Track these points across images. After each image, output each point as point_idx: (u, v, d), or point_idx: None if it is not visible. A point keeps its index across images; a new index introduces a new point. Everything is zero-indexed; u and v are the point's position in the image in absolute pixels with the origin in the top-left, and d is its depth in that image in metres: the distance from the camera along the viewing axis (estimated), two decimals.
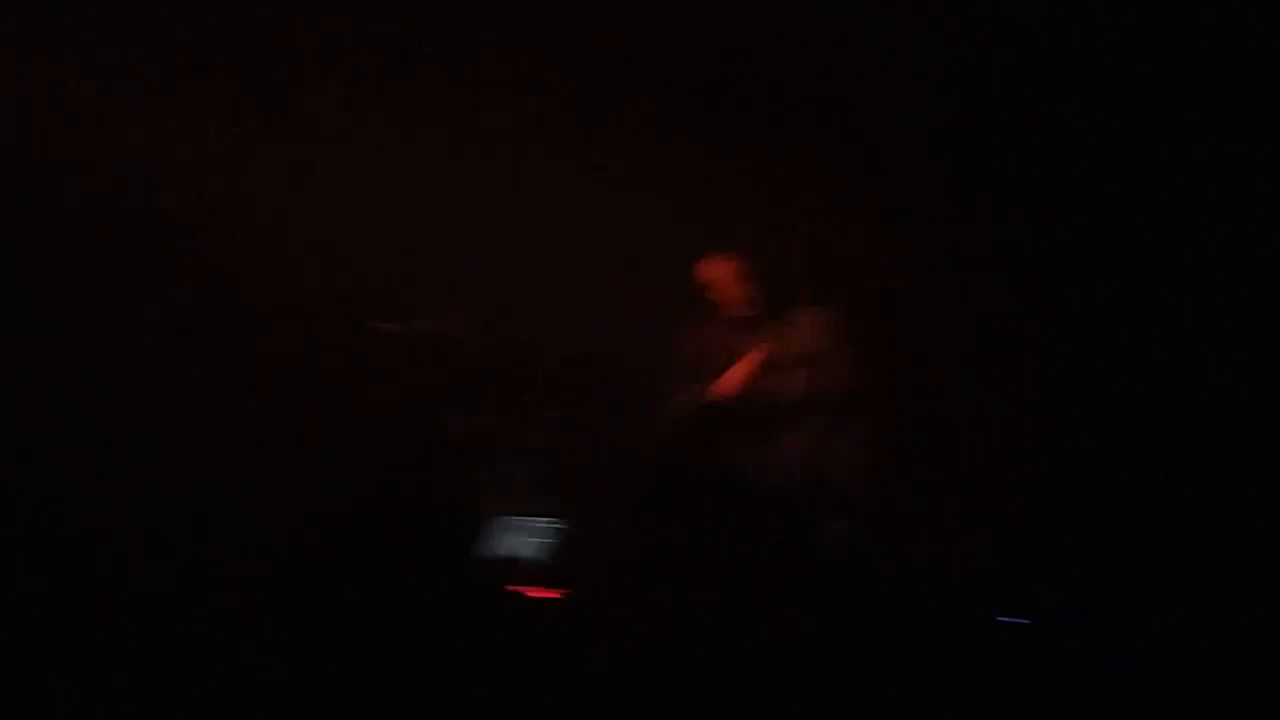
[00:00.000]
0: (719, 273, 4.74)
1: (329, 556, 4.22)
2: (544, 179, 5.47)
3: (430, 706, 3.74)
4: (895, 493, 4.97)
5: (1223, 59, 5.18)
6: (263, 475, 4.84)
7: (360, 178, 5.43)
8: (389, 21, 5.28)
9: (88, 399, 5.08)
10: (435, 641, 3.95)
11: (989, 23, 5.17)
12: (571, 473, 4.94)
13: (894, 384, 5.10)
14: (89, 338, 5.16)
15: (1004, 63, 5.31)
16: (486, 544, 4.52)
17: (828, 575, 4.26)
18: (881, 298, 5.34)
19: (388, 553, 4.23)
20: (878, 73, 5.34)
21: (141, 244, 5.31)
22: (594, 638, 4.01)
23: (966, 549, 4.82)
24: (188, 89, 5.33)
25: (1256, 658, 4.23)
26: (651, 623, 4.00)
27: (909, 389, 5.22)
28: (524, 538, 4.55)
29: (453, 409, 4.91)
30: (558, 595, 4.30)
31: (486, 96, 5.45)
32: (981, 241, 5.49)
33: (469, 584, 4.36)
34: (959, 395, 5.42)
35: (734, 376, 4.72)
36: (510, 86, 5.43)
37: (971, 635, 4.36)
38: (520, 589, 4.30)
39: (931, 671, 4.15)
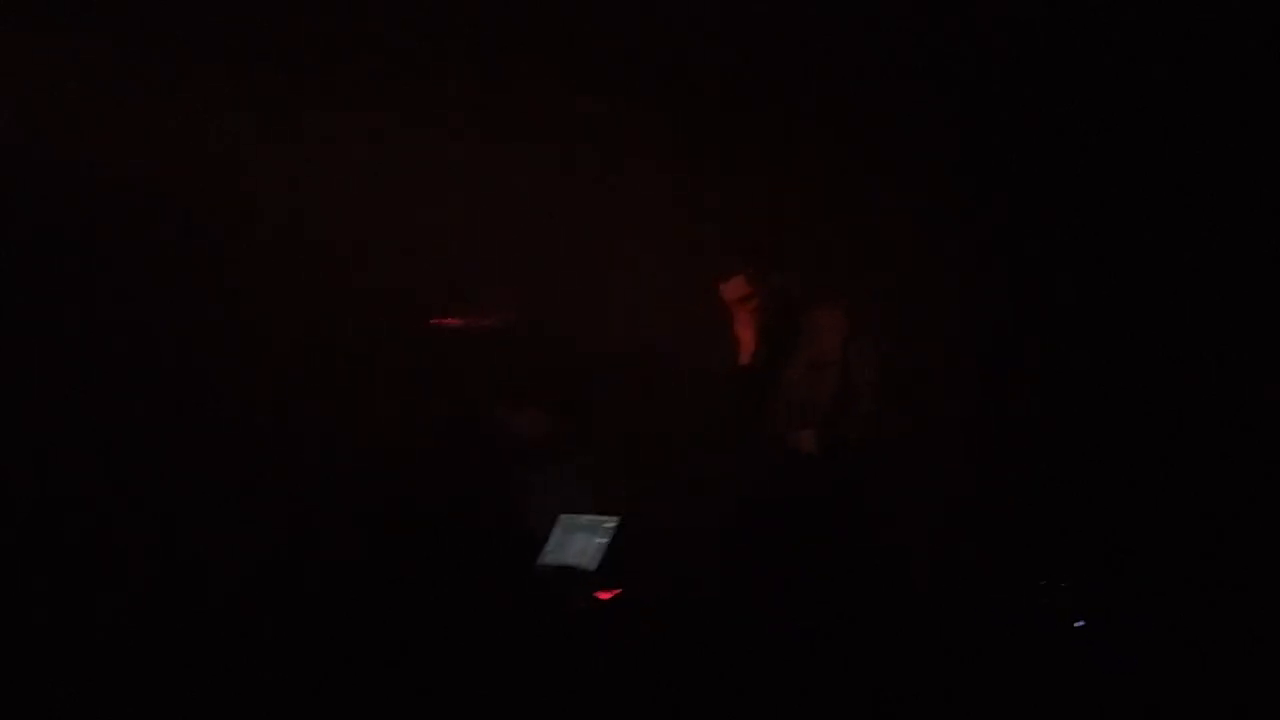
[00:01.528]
0: (736, 292, 4.89)
1: (386, 556, 4.31)
2: (584, 176, 5.57)
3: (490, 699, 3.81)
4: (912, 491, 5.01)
5: (1223, 59, 5.19)
6: (321, 477, 4.93)
7: (403, 175, 5.47)
8: (428, 14, 5.30)
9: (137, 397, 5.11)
10: (490, 637, 4.02)
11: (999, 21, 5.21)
12: (626, 470, 5.04)
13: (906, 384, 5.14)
14: (143, 335, 5.20)
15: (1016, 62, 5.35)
16: (543, 543, 4.58)
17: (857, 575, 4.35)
18: (898, 297, 5.38)
19: (445, 551, 4.31)
20: (893, 73, 5.38)
21: (179, 244, 5.32)
22: (651, 638, 4.09)
23: (973, 549, 4.86)
24: (224, 83, 5.35)
25: (1257, 658, 4.23)
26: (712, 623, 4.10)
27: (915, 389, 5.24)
28: (583, 536, 4.59)
29: (511, 405, 4.97)
30: (616, 594, 4.37)
31: (530, 93, 5.50)
32: (996, 239, 5.53)
33: (529, 583, 4.43)
34: (962, 393, 5.43)
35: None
36: (552, 82, 5.48)
37: (978, 635, 4.39)
38: (580, 589, 4.37)
39: (940, 670, 4.18)
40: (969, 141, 5.50)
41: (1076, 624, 4.50)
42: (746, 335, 5.03)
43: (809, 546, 4.42)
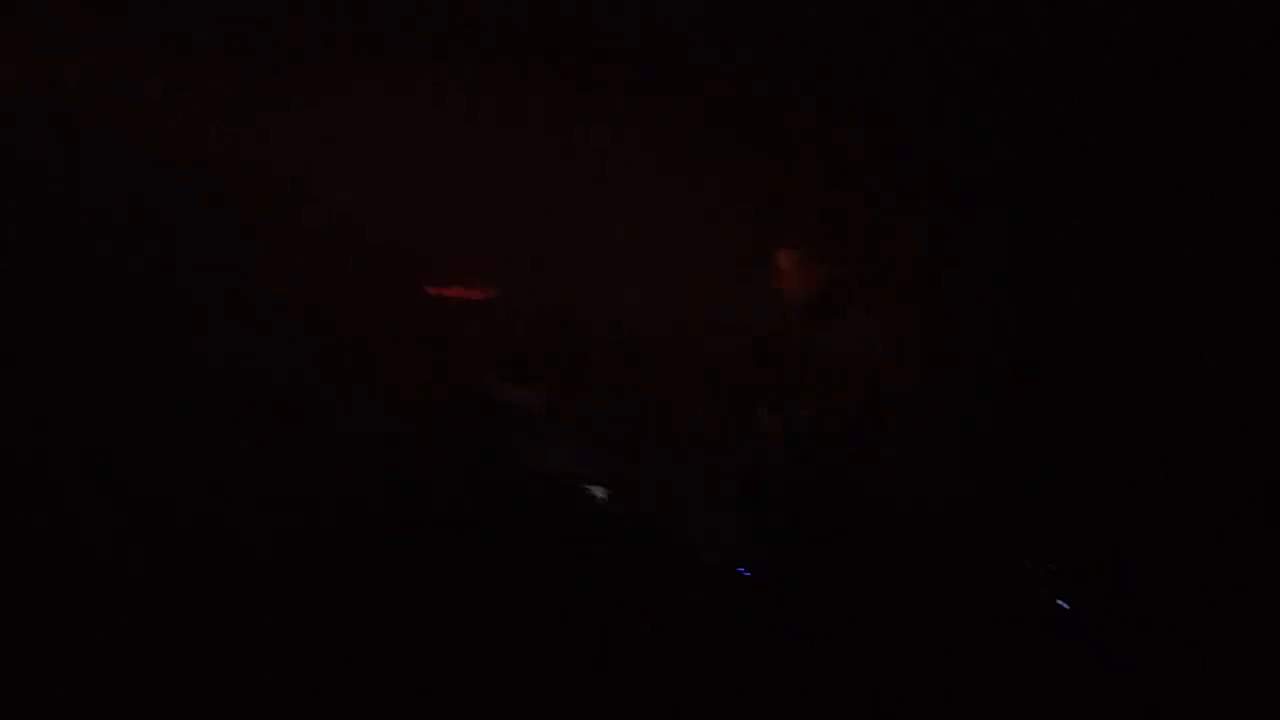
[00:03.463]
0: (786, 262, 4.89)
1: (390, 525, 4.41)
2: (593, 155, 5.60)
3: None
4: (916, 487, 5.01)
5: (1223, 59, 5.21)
6: (329, 448, 4.99)
7: (406, 151, 5.51)
8: None
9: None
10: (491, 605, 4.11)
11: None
12: (623, 442, 5.07)
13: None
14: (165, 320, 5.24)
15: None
16: (542, 512, 4.66)
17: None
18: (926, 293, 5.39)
19: (443, 521, 4.41)
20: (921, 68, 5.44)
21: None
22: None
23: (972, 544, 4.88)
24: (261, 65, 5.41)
25: (1257, 658, 4.24)
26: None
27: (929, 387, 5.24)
28: (580, 505, 4.68)
29: (506, 378, 5.00)
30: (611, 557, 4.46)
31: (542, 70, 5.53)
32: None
33: (528, 547, 4.52)
34: (964, 390, 5.43)
35: None
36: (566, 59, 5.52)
37: (977, 630, 4.41)
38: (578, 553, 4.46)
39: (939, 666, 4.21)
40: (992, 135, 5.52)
41: (1061, 605, 4.55)
42: (782, 314, 4.97)
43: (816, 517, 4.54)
